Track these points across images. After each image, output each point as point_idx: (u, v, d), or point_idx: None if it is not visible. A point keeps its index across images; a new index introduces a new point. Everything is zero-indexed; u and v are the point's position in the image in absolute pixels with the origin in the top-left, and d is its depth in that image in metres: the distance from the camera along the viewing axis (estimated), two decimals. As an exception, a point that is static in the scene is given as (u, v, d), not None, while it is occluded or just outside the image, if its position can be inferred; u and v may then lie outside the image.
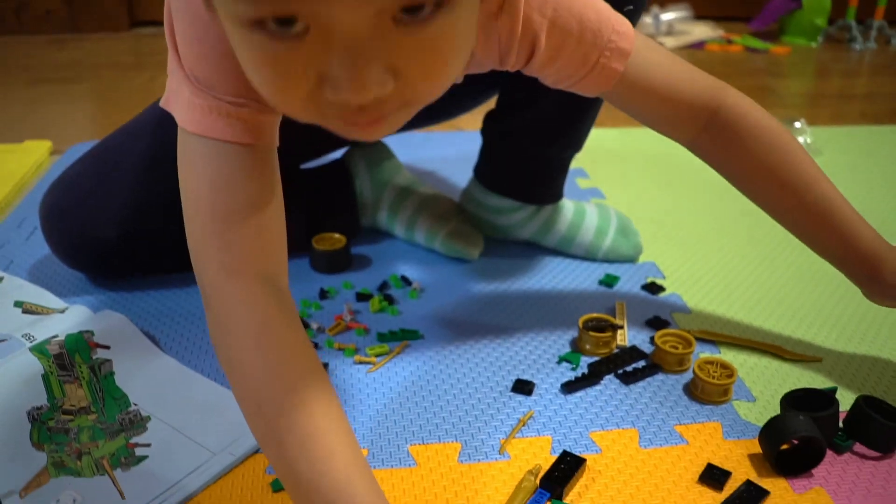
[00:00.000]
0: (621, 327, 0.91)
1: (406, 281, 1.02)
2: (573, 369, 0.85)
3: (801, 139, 1.51)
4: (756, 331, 0.93)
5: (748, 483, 0.68)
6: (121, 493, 0.66)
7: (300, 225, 1.05)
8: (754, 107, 0.79)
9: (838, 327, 0.94)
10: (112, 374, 0.80)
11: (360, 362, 0.85)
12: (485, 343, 0.89)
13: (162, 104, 0.64)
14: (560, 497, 0.67)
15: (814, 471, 0.71)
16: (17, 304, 0.93)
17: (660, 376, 0.84)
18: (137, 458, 0.70)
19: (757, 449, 0.73)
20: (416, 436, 0.75)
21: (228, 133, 0.60)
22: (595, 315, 0.89)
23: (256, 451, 0.72)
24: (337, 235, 1.06)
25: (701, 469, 0.70)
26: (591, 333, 0.87)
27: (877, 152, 1.55)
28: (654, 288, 1.01)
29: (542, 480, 0.68)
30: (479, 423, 0.76)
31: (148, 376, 0.81)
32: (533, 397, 0.80)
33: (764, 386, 0.83)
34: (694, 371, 0.80)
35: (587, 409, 0.79)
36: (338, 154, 1.16)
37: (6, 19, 2.53)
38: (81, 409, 0.76)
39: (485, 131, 1.06)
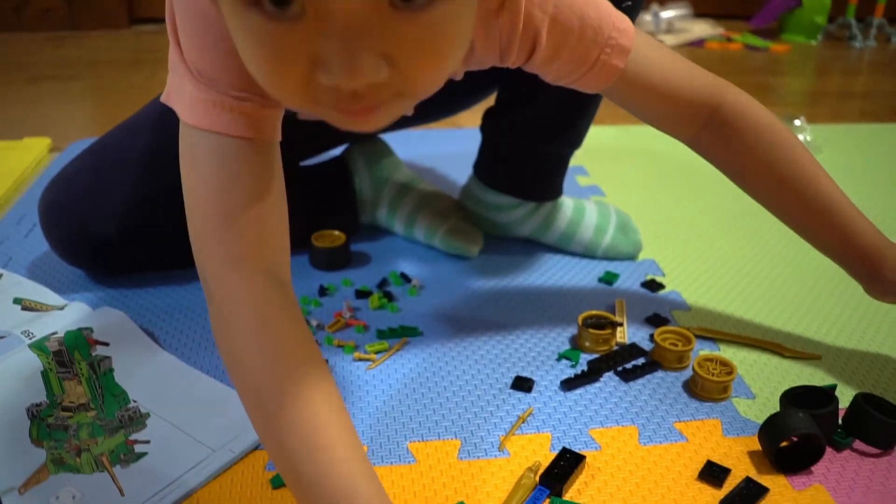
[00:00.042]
0: (621, 324, 0.91)
1: (405, 278, 1.02)
2: (573, 366, 0.85)
3: (800, 137, 1.50)
4: (756, 328, 0.93)
5: (747, 480, 0.68)
6: (120, 490, 0.66)
7: (299, 222, 1.04)
8: (754, 104, 0.79)
9: (838, 325, 0.94)
10: (111, 370, 0.80)
11: (360, 359, 0.85)
12: (484, 340, 0.89)
13: (163, 99, 0.64)
14: (559, 494, 0.67)
15: (813, 468, 0.71)
16: (17, 300, 0.93)
17: (659, 373, 0.84)
18: (137, 455, 0.70)
19: (756, 446, 0.73)
20: (416, 433, 0.75)
21: (231, 127, 0.60)
22: (595, 312, 0.89)
23: (256, 448, 0.72)
24: (336, 233, 1.06)
25: (700, 466, 0.70)
26: (591, 331, 0.86)
27: (876, 150, 1.55)
28: (653, 285, 1.01)
29: (541, 477, 0.68)
30: (478, 420, 0.76)
31: (147, 373, 0.81)
32: (532, 394, 0.80)
33: (763, 383, 0.83)
34: (693, 368, 0.80)
35: (587, 407, 0.79)
36: (337, 151, 1.16)
37: (6, 17, 2.53)
38: (81, 405, 0.76)
39: (484, 128, 1.06)
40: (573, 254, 1.09)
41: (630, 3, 0.80)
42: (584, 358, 0.86)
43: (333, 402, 0.57)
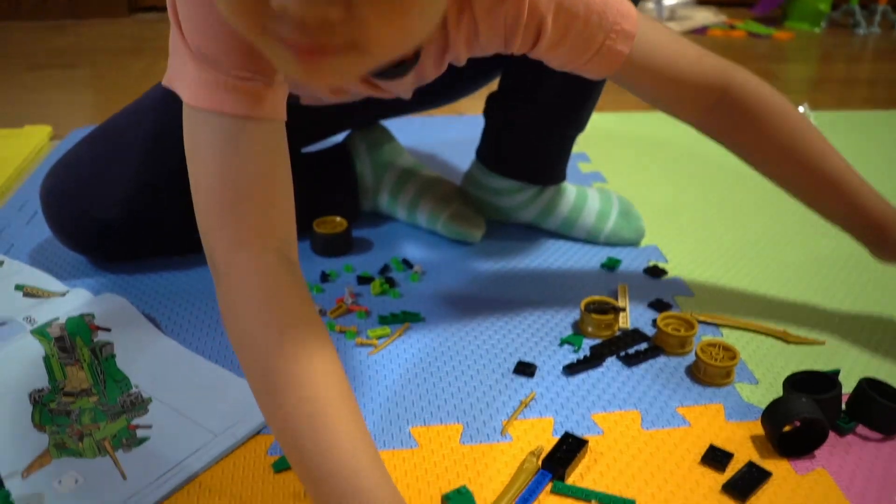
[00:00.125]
0: (623, 310, 0.91)
1: (407, 264, 1.01)
2: (575, 351, 0.85)
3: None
4: (759, 314, 0.92)
5: (750, 464, 0.68)
6: (122, 474, 0.66)
7: (301, 208, 1.04)
8: (762, 85, 0.80)
9: (842, 310, 0.94)
10: (113, 356, 0.80)
11: (362, 345, 0.85)
12: (487, 325, 0.89)
13: (165, 83, 0.64)
14: (562, 478, 0.67)
15: (816, 452, 0.71)
16: (18, 287, 0.92)
17: (662, 358, 0.84)
18: (139, 440, 0.70)
19: (759, 431, 0.73)
20: (418, 417, 0.75)
21: (236, 107, 0.59)
22: (597, 297, 0.89)
23: (258, 433, 0.72)
24: (338, 219, 1.06)
25: (703, 451, 0.70)
26: (594, 316, 0.86)
27: (880, 137, 1.55)
28: (656, 271, 1.01)
29: (543, 462, 0.68)
30: (480, 405, 0.76)
31: (149, 358, 0.81)
32: (535, 379, 0.80)
33: (766, 368, 0.82)
34: (696, 353, 0.80)
35: (589, 391, 0.78)
36: (339, 138, 1.16)
37: (5, 6, 2.52)
38: (83, 391, 0.76)
39: (488, 113, 1.05)
40: (575, 239, 1.09)
41: None
42: (587, 343, 0.86)
43: (339, 383, 0.57)
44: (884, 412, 0.72)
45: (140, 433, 0.71)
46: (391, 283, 0.97)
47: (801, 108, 1.54)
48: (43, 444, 0.69)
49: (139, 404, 0.75)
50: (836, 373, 0.79)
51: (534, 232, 1.10)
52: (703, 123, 0.83)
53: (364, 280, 0.98)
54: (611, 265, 1.02)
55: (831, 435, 0.73)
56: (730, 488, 0.66)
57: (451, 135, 1.48)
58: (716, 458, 0.69)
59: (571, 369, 0.81)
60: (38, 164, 1.36)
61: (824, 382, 0.75)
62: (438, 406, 0.76)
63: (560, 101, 0.97)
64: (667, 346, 0.84)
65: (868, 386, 0.73)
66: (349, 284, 0.97)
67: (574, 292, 0.96)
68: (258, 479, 0.67)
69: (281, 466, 0.68)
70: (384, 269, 1.00)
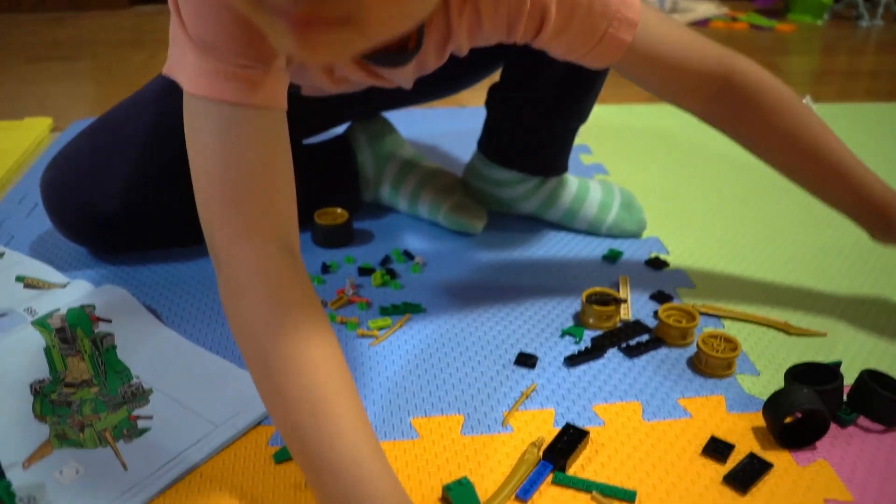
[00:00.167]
0: (624, 301, 0.91)
1: (408, 255, 1.01)
2: (576, 343, 0.84)
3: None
4: (760, 306, 0.92)
5: (751, 456, 0.68)
6: (123, 465, 0.66)
7: (302, 200, 1.04)
8: (764, 73, 0.81)
9: (843, 302, 0.93)
10: (114, 347, 0.80)
11: (363, 336, 0.85)
12: (488, 316, 0.89)
13: (165, 72, 0.63)
14: (563, 469, 0.67)
15: (817, 444, 0.71)
16: (19, 278, 0.92)
17: (663, 350, 0.83)
18: (140, 431, 0.70)
19: (761, 422, 0.73)
20: (419, 408, 0.74)
21: (237, 95, 0.59)
22: (598, 289, 0.89)
23: (259, 424, 0.72)
24: (339, 210, 1.06)
25: (704, 442, 0.70)
26: (595, 307, 0.86)
27: (883, 130, 1.54)
28: (657, 263, 1.00)
29: (545, 452, 0.68)
30: (481, 396, 0.76)
31: (150, 349, 0.81)
32: (536, 370, 0.80)
33: (768, 360, 0.82)
34: (698, 345, 0.80)
35: (590, 383, 0.78)
36: (340, 129, 1.15)
37: (5, -2, 2.52)
38: (83, 382, 0.76)
39: (489, 103, 1.05)
40: (577, 231, 1.09)
41: None
42: (588, 334, 0.86)
43: (341, 373, 0.57)
44: (885, 404, 0.72)
45: (141, 424, 0.71)
46: (392, 274, 0.96)
47: (804, 100, 1.53)
48: (44, 435, 0.69)
49: (140, 395, 0.75)
50: (837, 364, 0.79)
51: (535, 223, 1.10)
52: (706, 112, 0.83)
53: (365, 271, 0.97)
54: (612, 257, 1.01)
55: (833, 426, 0.73)
56: (731, 480, 0.66)
57: (452, 126, 1.47)
58: (717, 449, 0.69)
59: (572, 360, 0.81)
60: (39, 156, 1.36)
61: (826, 374, 0.74)
62: (439, 397, 0.76)
63: (562, 92, 0.97)
64: (668, 338, 0.84)
65: (869, 377, 0.73)
66: (350, 276, 0.97)
67: (575, 284, 0.96)
68: (259, 470, 0.67)
69: (282, 457, 0.68)
70: (385, 261, 1.00)
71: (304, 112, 0.86)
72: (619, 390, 0.77)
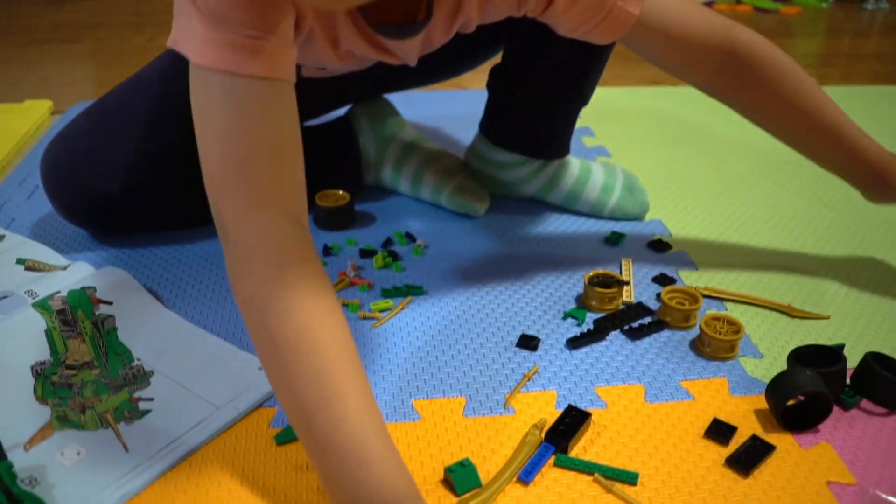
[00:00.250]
0: (627, 283, 0.90)
1: (410, 237, 1.01)
2: (579, 325, 0.84)
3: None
4: (763, 288, 0.92)
5: (754, 438, 0.68)
6: (124, 447, 0.66)
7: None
8: (766, 43, 0.83)
9: (846, 285, 0.93)
10: (115, 329, 0.79)
11: (365, 318, 0.85)
12: (490, 299, 0.89)
13: (169, 44, 0.63)
14: (565, 451, 0.66)
15: (820, 427, 0.70)
16: (20, 261, 0.92)
17: (666, 332, 0.83)
18: (141, 412, 0.70)
19: (763, 405, 0.73)
20: (421, 390, 0.74)
21: (246, 67, 0.59)
22: (601, 271, 0.89)
23: (260, 406, 0.72)
24: (340, 192, 1.05)
25: (707, 424, 0.70)
26: (597, 289, 0.86)
27: (888, 113, 1.53)
28: (660, 245, 1.00)
29: (547, 434, 0.68)
30: (483, 378, 0.76)
31: (151, 331, 0.81)
32: (538, 352, 0.80)
33: (771, 342, 0.82)
34: (700, 327, 0.80)
35: (592, 365, 0.78)
36: (341, 111, 1.15)
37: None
38: (84, 364, 0.76)
39: (491, 85, 1.04)
40: (579, 213, 1.08)
41: None
42: (590, 317, 0.85)
43: (348, 352, 0.57)
44: (888, 386, 0.72)
45: (142, 406, 0.71)
46: (394, 256, 0.96)
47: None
48: (45, 417, 0.69)
49: (141, 377, 0.74)
50: (840, 347, 0.78)
51: (537, 206, 1.10)
52: (711, 82, 0.85)
53: (367, 253, 0.97)
54: (615, 239, 1.01)
55: (835, 409, 0.72)
56: (733, 462, 0.66)
57: (453, 109, 1.46)
58: (719, 431, 0.69)
59: (575, 343, 0.81)
60: (39, 138, 1.36)
61: (829, 356, 0.74)
62: (441, 379, 0.76)
63: (563, 74, 0.96)
64: (671, 320, 0.84)
65: (873, 360, 0.73)
66: (352, 258, 0.96)
67: (578, 266, 0.95)
68: (260, 452, 0.67)
69: (283, 439, 0.67)
70: (387, 243, 1.00)
71: (306, 93, 0.85)
72: (621, 372, 0.77)
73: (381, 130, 1.10)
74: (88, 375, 0.74)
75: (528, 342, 0.81)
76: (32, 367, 0.74)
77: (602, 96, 1.31)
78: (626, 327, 0.83)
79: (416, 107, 1.43)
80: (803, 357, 0.75)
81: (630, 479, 0.64)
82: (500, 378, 0.76)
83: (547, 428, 0.68)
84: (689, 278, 0.93)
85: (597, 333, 0.82)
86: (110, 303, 0.82)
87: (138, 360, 0.77)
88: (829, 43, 2.18)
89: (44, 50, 1.94)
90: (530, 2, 0.70)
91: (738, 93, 0.86)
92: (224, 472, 0.64)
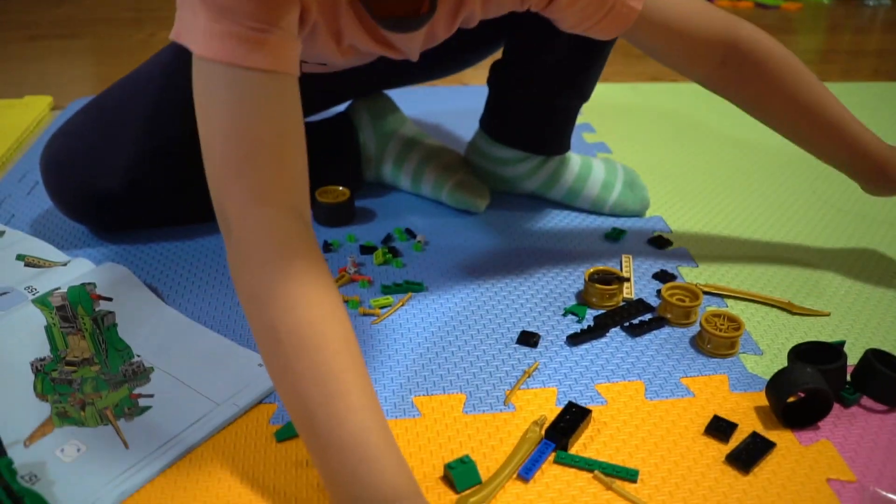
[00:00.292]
0: (627, 280, 0.90)
1: (410, 234, 1.01)
2: (579, 321, 0.84)
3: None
4: (764, 285, 0.92)
5: (754, 435, 0.68)
6: (124, 443, 0.66)
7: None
8: (768, 38, 0.83)
9: (847, 281, 0.93)
10: (115, 325, 0.79)
11: (365, 314, 0.85)
12: (490, 295, 0.89)
13: (172, 37, 0.62)
14: (565, 448, 0.66)
15: (820, 423, 0.70)
16: (20, 257, 0.92)
17: (666, 329, 0.83)
18: (141, 409, 0.70)
19: (764, 402, 0.73)
20: (421, 387, 0.74)
21: (250, 59, 0.58)
22: (601, 268, 0.89)
23: (260, 402, 0.72)
24: (340, 188, 1.05)
25: (707, 421, 0.70)
26: (597, 286, 0.86)
27: (889, 109, 1.53)
28: (660, 242, 1.00)
29: (547, 431, 0.68)
30: (483, 375, 0.76)
31: (151, 328, 0.80)
32: (538, 349, 0.80)
33: (771, 339, 0.82)
34: (701, 324, 0.80)
35: (593, 361, 0.78)
36: (342, 107, 1.15)
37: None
38: (84, 360, 0.76)
39: (491, 81, 1.04)
40: (580, 210, 1.08)
41: None
42: (591, 313, 0.85)
43: (352, 349, 0.57)
44: (889, 384, 0.72)
45: (142, 402, 0.71)
46: (394, 252, 0.96)
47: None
48: (45, 413, 0.69)
49: (141, 373, 0.74)
50: (841, 344, 0.78)
51: (538, 202, 1.10)
52: (713, 77, 0.86)
53: (367, 250, 0.97)
54: (615, 235, 1.01)
55: (836, 406, 0.72)
56: (733, 459, 0.66)
57: (454, 105, 1.46)
58: (719, 428, 0.69)
59: (575, 339, 0.80)
60: (39, 134, 1.36)
61: (829, 353, 0.74)
62: (441, 375, 0.76)
63: (564, 70, 0.96)
64: (671, 317, 0.84)
65: (874, 357, 0.73)
66: (352, 254, 0.96)
67: (578, 262, 0.95)
68: (260, 449, 0.67)
69: (283, 436, 0.67)
70: (387, 239, 1.00)
71: (306, 89, 0.84)
72: (621, 369, 0.77)
73: (382, 126, 1.10)
74: (88, 372, 0.74)
75: (528, 339, 0.80)
76: (32, 364, 0.74)
77: (603, 92, 1.31)
78: (627, 324, 0.83)
79: (416, 103, 1.43)
80: (804, 354, 0.75)
81: (630, 476, 0.64)
82: (501, 375, 0.76)
83: (547, 425, 0.68)
84: (690, 275, 0.93)
85: (597, 330, 0.82)
86: (110, 299, 0.82)
87: (138, 356, 0.77)
88: (829, 39, 2.17)
89: (44, 46, 1.94)
90: None
91: (739, 87, 0.86)
92: (224, 469, 0.64)
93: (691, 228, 1.05)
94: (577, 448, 0.67)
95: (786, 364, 0.76)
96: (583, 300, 0.88)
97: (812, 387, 0.69)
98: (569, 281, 0.91)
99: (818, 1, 2.55)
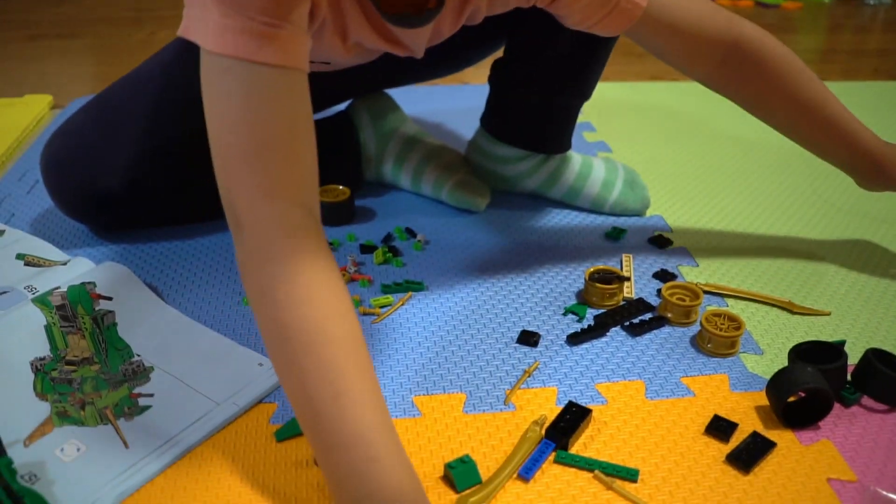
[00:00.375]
0: (628, 279, 0.90)
1: (411, 233, 1.01)
2: (579, 321, 0.84)
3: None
4: (764, 285, 0.92)
5: (754, 435, 0.68)
6: (124, 443, 0.66)
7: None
8: (769, 37, 0.84)
9: (848, 281, 0.93)
10: (115, 324, 0.79)
11: (365, 314, 0.85)
12: (490, 294, 0.89)
13: (181, 33, 0.62)
14: (565, 447, 0.66)
15: (821, 423, 0.70)
16: (20, 256, 0.92)
17: (666, 328, 0.83)
18: (141, 408, 0.70)
19: (764, 402, 0.73)
20: (421, 386, 0.74)
21: (261, 54, 0.58)
22: (601, 267, 0.89)
23: (260, 402, 0.72)
24: (340, 187, 1.05)
25: (707, 421, 0.70)
26: (598, 285, 0.86)
27: (889, 109, 1.53)
28: (661, 241, 1.00)
29: (547, 431, 0.67)
30: (483, 374, 0.76)
31: (151, 327, 0.80)
32: (538, 349, 0.80)
33: (772, 339, 0.82)
34: (701, 323, 0.80)
35: (593, 361, 0.78)
36: (342, 106, 1.14)
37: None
38: (84, 359, 0.75)
39: (492, 79, 1.04)
40: (580, 209, 1.08)
41: None
42: (591, 313, 0.85)
43: (359, 348, 0.57)
44: (889, 383, 0.72)
45: (142, 402, 0.71)
46: (394, 251, 0.96)
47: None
48: (45, 413, 0.69)
49: (141, 373, 0.74)
50: (841, 343, 0.78)
51: (538, 201, 1.09)
52: (715, 76, 0.86)
53: (367, 249, 0.97)
54: (615, 235, 1.01)
55: (836, 406, 0.72)
56: (734, 459, 0.66)
57: (454, 104, 1.46)
58: (720, 428, 0.69)
59: (575, 339, 0.80)
60: (39, 133, 1.36)
61: (830, 353, 0.74)
62: (441, 375, 0.76)
63: (565, 68, 0.96)
64: (671, 316, 0.84)
65: (874, 357, 0.73)
66: (352, 253, 0.96)
67: (578, 262, 0.95)
68: (260, 448, 0.67)
69: (283, 435, 0.67)
70: (387, 238, 1.00)
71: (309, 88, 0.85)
72: (621, 369, 0.77)
73: (382, 125, 1.09)
74: (88, 371, 0.74)
75: (528, 338, 0.80)
76: (32, 363, 0.74)
77: (603, 91, 1.31)
78: (627, 323, 0.83)
79: (417, 102, 1.42)
80: (804, 353, 0.75)
81: (630, 475, 0.64)
82: (501, 374, 0.76)
83: (547, 424, 0.68)
84: (690, 274, 0.93)
85: (597, 329, 0.81)
86: (110, 298, 0.82)
87: (138, 355, 0.77)
88: (830, 38, 2.17)
89: (44, 45, 1.94)
90: None
91: (739, 86, 0.87)
92: (224, 469, 0.64)
93: (692, 227, 1.05)
94: (578, 448, 0.67)
95: (786, 363, 0.76)
96: (583, 299, 0.88)
97: (812, 386, 0.68)
98: (569, 280, 0.91)
99: (818, 0, 2.54)
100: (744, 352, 0.79)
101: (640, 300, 0.86)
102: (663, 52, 0.84)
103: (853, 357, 0.77)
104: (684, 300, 0.84)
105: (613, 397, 0.73)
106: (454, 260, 0.95)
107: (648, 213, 1.08)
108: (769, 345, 0.81)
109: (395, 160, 1.09)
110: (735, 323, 0.80)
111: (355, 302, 0.86)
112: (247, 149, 0.59)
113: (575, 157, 1.07)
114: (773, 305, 0.87)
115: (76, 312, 0.78)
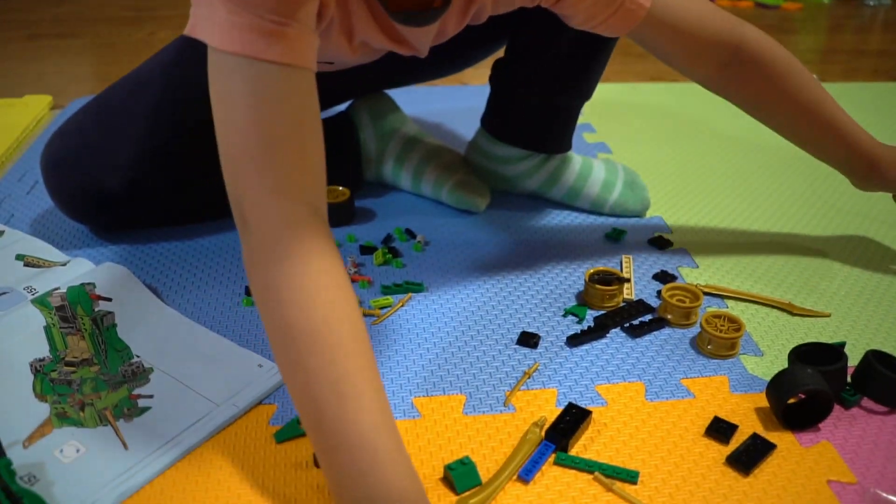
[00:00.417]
0: (628, 281, 0.90)
1: (411, 234, 1.01)
2: (579, 322, 0.84)
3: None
4: (764, 286, 0.92)
5: (754, 436, 0.68)
6: (124, 444, 0.66)
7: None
8: (770, 40, 0.85)
9: (848, 282, 0.93)
10: (114, 325, 0.79)
11: (365, 315, 0.85)
12: (490, 296, 0.88)
13: (187, 32, 0.62)
14: (565, 449, 0.66)
15: (821, 425, 0.70)
16: (19, 257, 0.92)
17: (666, 330, 0.83)
18: (140, 410, 0.70)
19: (764, 403, 0.72)
20: (421, 388, 0.74)
21: (269, 52, 0.58)
22: (601, 268, 0.89)
23: (259, 403, 0.72)
24: (340, 188, 1.05)
25: (707, 422, 0.70)
26: (598, 287, 0.86)
27: (889, 109, 1.53)
28: (661, 242, 1.00)
29: (547, 432, 0.67)
30: (483, 376, 0.76)
31: (150, 328, 0.80)
32: (538, 350, 0.80)
33: (772, 340, 0.82)
34: (701, 325, 0.80)
35: (593, 362, 0.78)
36: (342, 107, 1.14)
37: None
38: (84, 360, 0.75)
39: (493, 79, 1.04)
40: (580, 210, 1.08)
41: None
42: (591, 314, 0.85)
43: (365, 350, 0.57)
44: (889, 385, 0.72)
45: (141, 403, 0.71)
46: (394, 252, 0.96)
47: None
48: (44, 414, 0.69)
49: (140, 374, 0.74)
50: (841, 345, 0.78)
51: (538, 202, 1.09)
52: (716, 78, 0.86)
53: (367, 250, 0.97)
54: (615, 236, 1.01)
55: (836, 407, 0.72)
56: (734, 460, 0.66)
57: (454, 104, 1.46)
58: (720, 429, 0.69)
59: (575, 340, 0.80)
60: (39, 134, 1.35)
61: (830, 354, 0.74)
62: (441, 376, 0.76)
63: (566, 68, 0.96)
64: (671, 318, 0.84)
65: (874, 358, 0.73)
66: (352, 254, 0.96)
67: (578, 263, 0.95)
68: (260, 450, 0.66)
69: (282, 437, 0.67)
70: (387, 239, 1.00)
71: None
72: (621, 370, 0.77)
73: (382, 126, 1.09)
74: (88, 372, 0.74)
75: (528, 339, 0.80)
76: (31, 364, 0.74)
77: (604, 92, 1.31)
78: (627, 325, 0.83)
79: (417, 102, 1.42)
80: (804, 355, 0.75)
81: (630, 477, 0.64)
82: (500, 375, 0.76)
83: (547, 426, 0.68)
84: (690, 275, 0.93)
85: (597, 331, 0.81)
86: (110, 299, 0.82)
87: (138, 356, 0.77)
88: (830, 39, 2.17)
89: (44, 45, 1.94)
90: None
91: (739, 88, 0.88)
92: (223, 470, 0.64)
93: (692, 229, 1.05)
94: (578, 449, 0.67)
95: (786, 365, 0.76)
96: (583, 301, 0.88)
97: (812, 388, 0.68)
98: (569, 281, 0.91)
99: (818, 1, 2.54)
100: (744, 353, 0.79)
101: (640, 301, 0.86)
102: (665, 53, 0.85)
103: (853, 359, 0.77)
104: (684, 301, 0.84)
105: (613, 399, 0.73)
106: (454, 261, 0.95)
107: (648, 214, 1.08)
108: (769, 346, 0.81)
109: (396, 160, 1.09)
110: (735, 324, 0.80)
111: (355, 303, 0.86)
112: (254, 147, 0.59)
113: (575, 158, 1.07)
114: (773, 307, 0.87)
115: (76, 313, 0.78)
